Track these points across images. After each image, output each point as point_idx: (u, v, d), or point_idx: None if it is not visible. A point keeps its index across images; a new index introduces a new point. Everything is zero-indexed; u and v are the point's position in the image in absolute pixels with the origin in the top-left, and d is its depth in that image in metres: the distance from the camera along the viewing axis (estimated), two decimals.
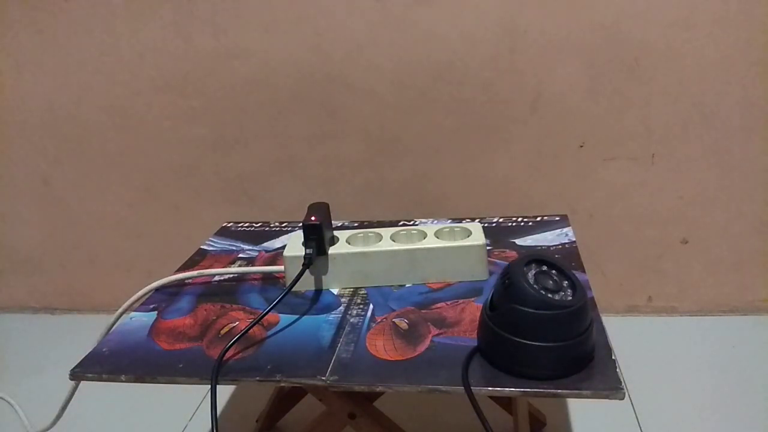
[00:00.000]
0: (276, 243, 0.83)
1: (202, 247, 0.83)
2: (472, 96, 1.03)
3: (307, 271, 0.66)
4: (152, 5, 1.05)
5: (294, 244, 0.69)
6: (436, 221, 0.82)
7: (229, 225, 0.91)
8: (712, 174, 1.04)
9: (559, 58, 1.00)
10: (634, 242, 1.10)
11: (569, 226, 0.81)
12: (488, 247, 0.73)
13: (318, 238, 0.65)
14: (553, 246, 0.76)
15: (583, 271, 0.68)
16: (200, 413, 0.97)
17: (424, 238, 0.69)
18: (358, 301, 0.66)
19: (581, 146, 1.05)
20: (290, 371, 0.55)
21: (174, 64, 1.08)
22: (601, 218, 1.09)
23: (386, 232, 0.71)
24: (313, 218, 0.66)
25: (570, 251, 0.74)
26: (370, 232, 0.71)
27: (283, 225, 0.89)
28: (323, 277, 0.68)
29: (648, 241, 1.10)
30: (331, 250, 0.68)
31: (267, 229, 0.88)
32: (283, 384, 0.55)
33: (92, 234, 1.23)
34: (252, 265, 0.77)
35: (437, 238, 0.68)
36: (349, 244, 0.70)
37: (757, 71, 0.97)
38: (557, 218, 0.84)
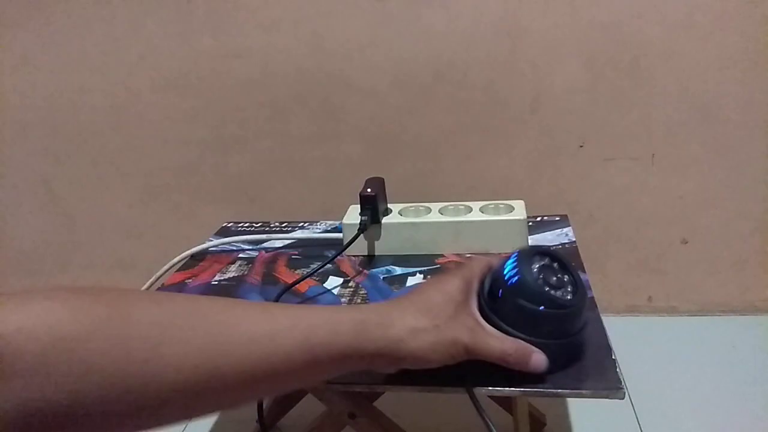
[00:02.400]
0: (276, 243, 0.83)
1: (201, 246, 0.83)
2: (472, 96, 1.03)
3: (362, 236, 0.74)
4: (152, 5, 1.05)
5: (352, 214, 0.77)
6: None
7: (229, 225, 0.91)
8: (712, 174, 1.04)
9: (559, 58, 1.00)
10: (634, 242, 1.10)
11: (569, 226, 0.81)
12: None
13: (372, 207, 0.74)
14: (553, 246, 0.76)
15: (583, 271, 0.68)
16: None
17: (470, 213, 0.75)
18: (358, 301, 0.66)
19: (581, 146, 1.05)
20: None
21: (174, 64, 1.08)
22: (601, 218, 1.09)
23: (435, 206, 0.78)
24: (368, 190, 0.74)
25: (570, 251, 0.74)
26: (421, 206, 0.79)
27: (283, 225, 0.89)
28: (376, 242, 0.76)
29: (648, 241, 1.10)
30: (384, 220, 0.76)
31: (267, 229, 0.88)
32: None
33: (92, 234, 1.23)
34: (253, 265, 0.77)
35: (482, 212, 0.75)
36: (401, 215, 0.77)
37: (757, 71, 0.97)
38: (557, 218, 0.84)
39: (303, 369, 0.42)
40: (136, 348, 0.37)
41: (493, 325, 0.50)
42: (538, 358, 0.48)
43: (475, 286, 0.50)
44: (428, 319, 0.46)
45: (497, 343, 0.47)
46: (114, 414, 0.37)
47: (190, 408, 0.40)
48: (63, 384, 0.35)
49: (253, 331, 0.41)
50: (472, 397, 0.49)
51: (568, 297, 0.50)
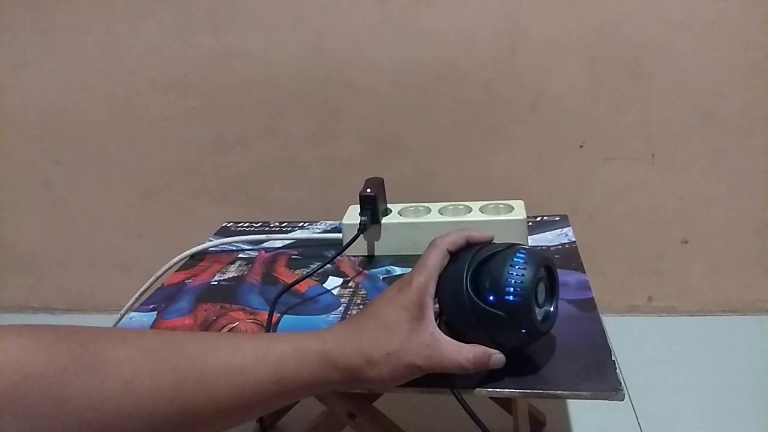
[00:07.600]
0: (276, 243, 0.83)
1: (201, 246, 0.83)
2: (472, 96, 1.03)
3: (362, 237, 0.74)
4: (152, 5, 1.05)
5: (351, 214, 0.77)
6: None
7: (229, 225, 0.91)
8: (712, 174, 1.04)
9: (559, 58, 1.00)
10: (634, 242, 1.10)
11: (569, 226, 0.81)
12: None
13: (372, 208, 0.74)
14: (553, 246, 0.76)
15: (583, 271, 0.68)
16: None
17: (469, 213, 0.76)
18: (358, 301, 0.66)
19: (581, 146, 1.05)
20: None
21: (174, 64, 1.08)
22: (601, 218, 1.09)
23: (435, 206, 0.78)
24: (368, 190, 0.74)
25: (570, 251, 0.74)
26: (421, 206, 0.78)
27: (283, 225, 0.89)
28: (375, 243, 0.76)
29: (648, 241, 1.10)
30: (384, 220, 0.76)
31: (267, 229, 0.88)
32: None
33: (92, 234, 1.23)
34: (252, 265, 0.77)
35: (481, 212, 0.75)
36: (400, 215, 0.77)
37: (757, 71, 0.97)
38: (557, 218, 0.84)
39: (273, 397, 0.44)
40: (109, 384, 0.37)
41: (471, 320, 0.49)
42: (497, 359, 0.49)
43: (432, 289, 0.49)
44: (385, 341, 0.47)
45: (454, 356, 0.47)
46: None
47: None
48: (33, 421, 0.34)
49: (224, 363, 0.42)
50: (459, 399, 0.49)
51: (545, 325, 0.51)
